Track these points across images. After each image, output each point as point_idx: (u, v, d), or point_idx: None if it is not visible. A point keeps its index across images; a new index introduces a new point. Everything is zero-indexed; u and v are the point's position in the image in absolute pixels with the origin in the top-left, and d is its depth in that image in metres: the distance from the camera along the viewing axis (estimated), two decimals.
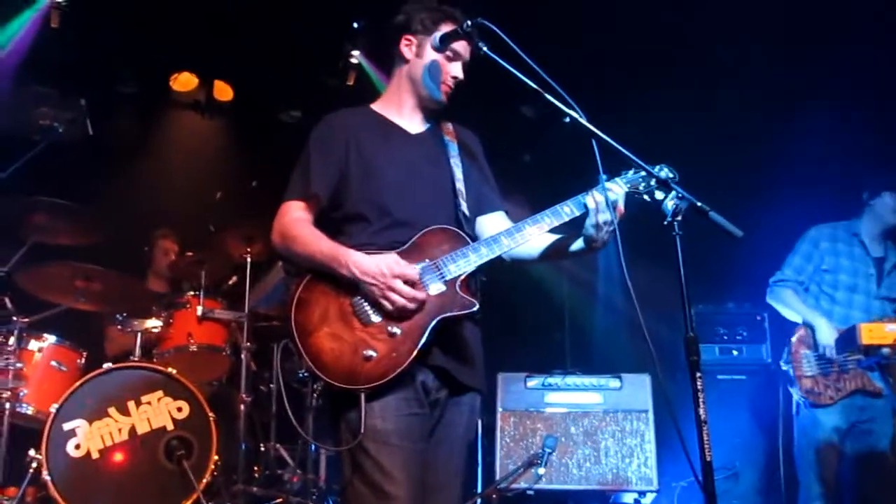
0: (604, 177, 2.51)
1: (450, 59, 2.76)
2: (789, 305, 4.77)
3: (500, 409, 5.15)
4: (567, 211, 2.60)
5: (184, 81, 6.80)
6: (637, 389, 5.12)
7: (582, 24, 5.96)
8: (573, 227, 2.63)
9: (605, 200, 2.50)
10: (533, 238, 2.61)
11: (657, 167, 2.55)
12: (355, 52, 6.43)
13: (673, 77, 6.00)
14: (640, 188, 2.60)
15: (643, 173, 2.57)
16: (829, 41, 5.57)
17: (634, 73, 6.19)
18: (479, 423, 5.24)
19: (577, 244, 2.66)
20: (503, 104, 6.61)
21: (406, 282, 2.45)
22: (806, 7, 5.47)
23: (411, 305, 2.45)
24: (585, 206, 2.55)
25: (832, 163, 5.62)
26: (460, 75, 2.77)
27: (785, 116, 6.00)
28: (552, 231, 2.65)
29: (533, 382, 5.22)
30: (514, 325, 6.72)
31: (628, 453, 5.00)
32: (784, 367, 4.69)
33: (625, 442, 5.02)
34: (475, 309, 2.53)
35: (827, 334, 4.53)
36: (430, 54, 2.75)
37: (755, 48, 5.78)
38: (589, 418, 5.09)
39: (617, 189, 2.54)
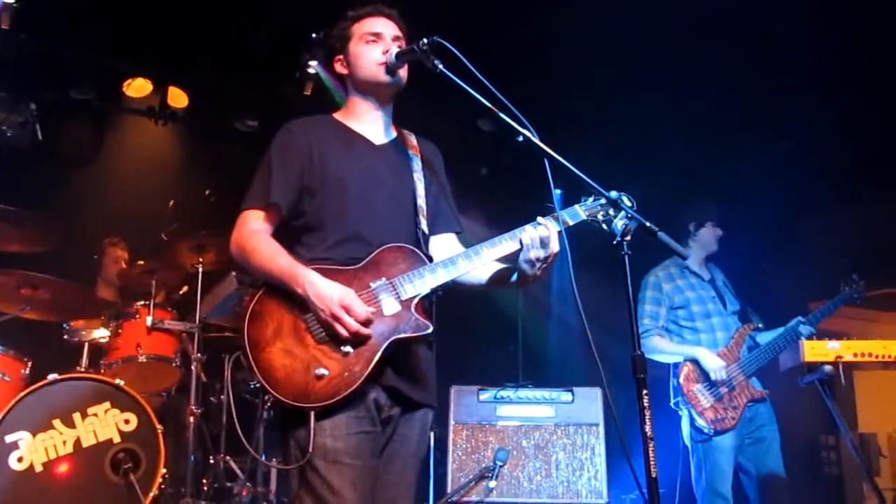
0: (551, 211, 2.57)
1: (374, 43, 2.76)
2: (664, 350, 4.87)
3: (452, 422, 5.16)
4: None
5: (138, 87, 6.69)
6: (588, 403, 5.16)
7: (537, 45, 6.03)
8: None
9: (538, 238, 2.52)
10: (489, 261, 2.61)
11: (613, 193, 2.58)
12: (313, 63, 6.41)
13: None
14: (599, 216, 2.63)
15: (602, 201, 2.60)
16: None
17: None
18: (432, 436, 5.26)
19: (513, 277, 2.67)
20: (461, 117, 6.66)
21: (357, 318, 2.42)
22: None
23: (351, 339, 2.43)
24: (521, 240, 2.56)
25: (781, 187, 5.82)
26: (391, 47, 2.73)
27: (741, 138, 6.16)
28: (501, 259, 2.66)
29: (485, 395, 5.24)
30: (468, 339, 6.75)
31: (579, 466, 5.04)
32: (682, 409, 4.76)
33: (575, 455, 5.06)
34: (429, 331, 2.51)
35: (712, 360, 4.70)
36: (362, 51, 2.76)
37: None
38: (540, 431, 5.12)
39: (551, 226, 2.55)
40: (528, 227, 2.55)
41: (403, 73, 2.76)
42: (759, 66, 5.89)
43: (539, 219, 2.56)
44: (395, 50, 2.70)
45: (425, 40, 2.56)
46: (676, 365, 4.80)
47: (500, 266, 2.70)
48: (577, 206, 2.66)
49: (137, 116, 6.90)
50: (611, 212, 2.57)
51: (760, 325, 4.92)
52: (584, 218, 2.64)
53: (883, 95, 5.58)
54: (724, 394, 4.67)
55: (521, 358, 6.72)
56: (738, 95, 6.05)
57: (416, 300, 2.52)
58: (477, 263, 2.59)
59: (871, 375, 5.58)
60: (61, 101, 6.28)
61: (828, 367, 4.02)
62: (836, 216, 6.03)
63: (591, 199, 2.65)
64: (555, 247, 2.53)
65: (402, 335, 2.48)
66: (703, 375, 4.71)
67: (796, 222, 6.21)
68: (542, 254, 2.52)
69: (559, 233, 2.57)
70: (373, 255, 2.57)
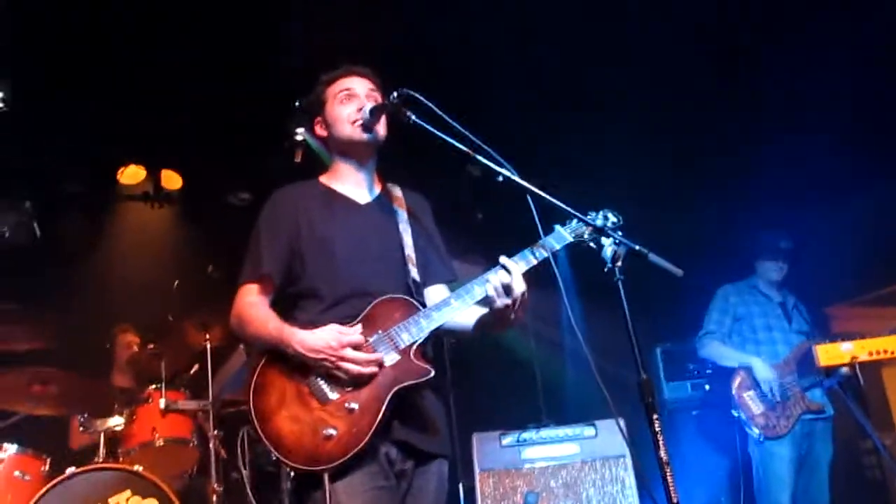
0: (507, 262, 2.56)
1: (348, 101, 2.81)
2: (722, 354, 5.14)
3: (477, 471, 5.07)
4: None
5: (131, 174, 6.77)
6: (612, 435, 5.07)
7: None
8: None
9: (500, 285, 2.50)
10: (479, 298, 2.61)
11: (599, 213, 2.60)
12: (300, 130, 6.47)
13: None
14: (585, 236, 2.63)
15: (584, 217, 2.60)
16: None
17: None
18: (461, 487, 5.18)
19: (493, 321, 2.64)
20: (452, 165, 6.69)
21: (354, 347, 2.45)
22: None
23: (367, 370, 2.44)
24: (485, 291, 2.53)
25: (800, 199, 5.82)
26: (365, 103, 2.77)
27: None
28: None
29: (508, 440, 5.16)
30: (486, 385, 6.69)
31: (611, 501, 4.93)
32: (735, 415, 4.96)
33: (606, 490, 4.96)
34: (431, 376, 2.52)
35: (765, 371, 4.89)
36: (336, 110, 2.81)
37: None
38: (567, 470, 5.03)
39: (512, 268, 2.52)
40: (491, 276, 2.54)
41: (381, 128, 2.80)
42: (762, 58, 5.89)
43: (501, 259, 2.54)
44: (368, 106, 2.74)
45: (395, 93, 2.60)
46: (731, 372, 5.00)
47: (484, 310, 2.69)
48: (560, 229, 2.65)
49: (133, 202, 6.96)
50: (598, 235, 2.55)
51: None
52: (571, 240, 2.64)
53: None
54: (776, 403, 4.82)
55: (541, 398, 6.66)
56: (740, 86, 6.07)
57: (414, 347, 2.53)
58: (469, 301, 2.59)
59: None
60: (57, 196, 6.35)
61: (844, 370, 3.99)
62: (847, 211, 5.97)
63: (574, 221, 2.64)
64: (519, 289, 2.50)
65: (405, 383, 2.48)
66: (757, 383, 4.89)
67: (809, 221, 6.14)
68: (507, 301, 2.51)
69: (551, 260, 2.57)
70: (366, 310, 2.58)
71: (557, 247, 2.62)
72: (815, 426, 4.89)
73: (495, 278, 2.51)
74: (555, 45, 5.74)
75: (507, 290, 2.50)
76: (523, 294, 2.51)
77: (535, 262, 2.58)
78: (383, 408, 2.43)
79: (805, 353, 4.86)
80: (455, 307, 2.58)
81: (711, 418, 5.88)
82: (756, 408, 4.86)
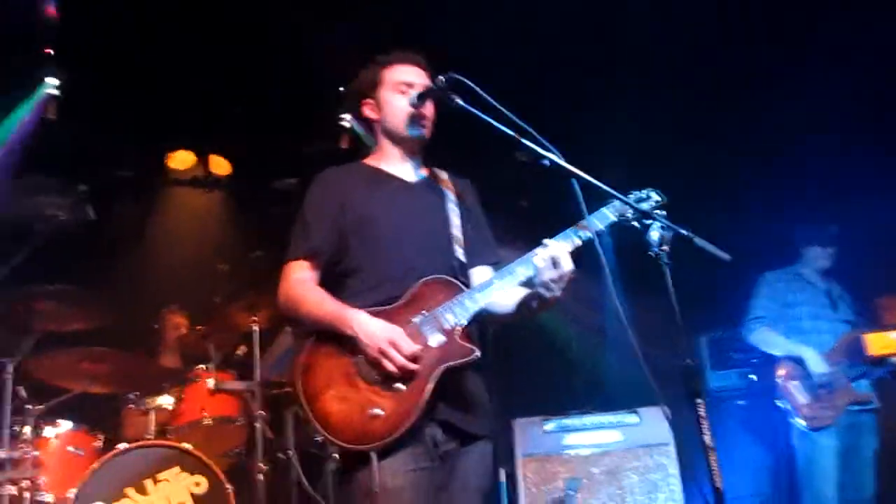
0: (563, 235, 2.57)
1: (406, 94, 2.81)
2: (770, 341, 5.04)
3: (519, 456, 5.08)
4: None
5: (180, 159, 6.92)
6: (656, 422, 5.03)
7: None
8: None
9: (550, 259, 2.50)
10: (523, 280, 2.60)
11: (644, 192, 2.58)
12: (346, 116, 6.51)
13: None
14: (629, 215, 2.59)
15: (632, 199, 2.58)
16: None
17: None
18: (503, 472, 5.19)
19: (534, 301, 2.64)
20: (497, 151, 6.68)
21: (403, 354, 2.46)
22: None
23: (399, 375, 2.45)
24: (534, 264, 2.54)
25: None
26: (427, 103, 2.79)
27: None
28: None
29: (550, 426, 5.15)
30: (526, 370, 6.69)
31: (653, 489, 4.91)
32: (780, 405, 4.91)
33: (648, 478, 4.93)
34: (476, 356, 2.53)
35: (817, 361, 4.79)
36: (393, 100, 2.82)
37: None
38: (610, 457, 5.01)
39: (558, 246, 2.52)
40: (540, 250, 2.54)
41: (429, 114, 2.81)
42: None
43: (545, 241, 2.54)
44: (415, 92, 2.75)
45: (442, 77, 2.61)
46: (776, 361, 4.94)
47: (526, 291, 2.68)
48: (604, 210, 2.63)
49: (183, 187, 7.10)
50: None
51: None
52: (614, 219, 2.61)
53: None
54: (822, 394, 4.74)
55: (581, 384, 6.64)
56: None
57: (458, 328, 2.54)
58: (511, 281, 2.58)
59: None
60: (109, 180, 6.49)
61: (894, 359, 3.91)
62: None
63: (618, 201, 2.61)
64: (567, 266, 2.50)
65: (451, 363, 2.49)
66: (804, 374, 4.81)
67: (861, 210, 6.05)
68: (554, 274, 2.50)
69: (595, 241, 2.55)
70: (411, 290, 2.60)
71: (601, 226, 2.60)
72: (861, 418, 4.80)
73: (544, 251, 2.51)
74: (560, 43, 5.72)
75: (556, 263, 2.49)
76: (571, 272, 2.50)
77: (579, 242, 2.56)
78: (429, 388, 2.45)
79: (852, 343, 4.78)
80: (497, 287, 2.58)
81: (757, 408, 5.83)
82: (801, 398, 4.80)
